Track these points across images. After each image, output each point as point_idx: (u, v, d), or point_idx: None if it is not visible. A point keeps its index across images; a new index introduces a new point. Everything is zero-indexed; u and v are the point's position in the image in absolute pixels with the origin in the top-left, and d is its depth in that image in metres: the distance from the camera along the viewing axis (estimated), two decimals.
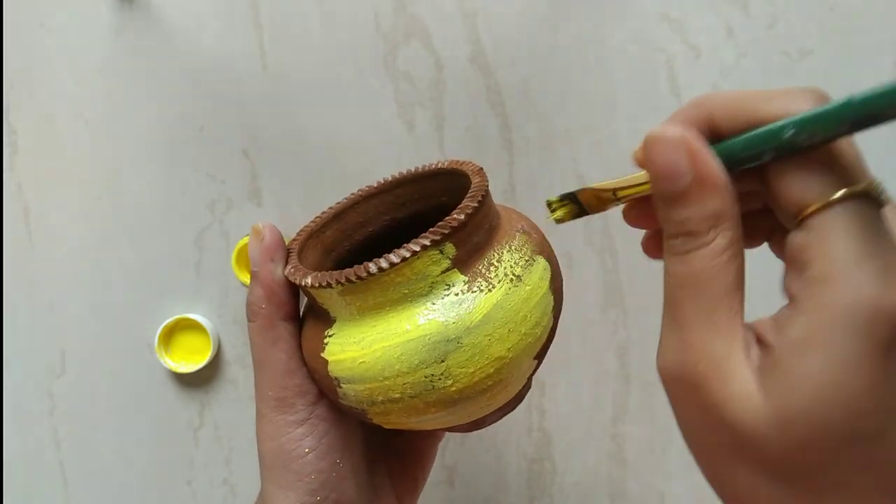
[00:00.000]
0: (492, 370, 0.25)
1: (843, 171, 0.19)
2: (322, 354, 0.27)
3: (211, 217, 0.48)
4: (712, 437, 0.20)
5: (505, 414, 0.30)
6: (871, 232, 0.18)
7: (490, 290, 0.26)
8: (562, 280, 0.29)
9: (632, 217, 0.25)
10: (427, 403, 0.26)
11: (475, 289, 0.26)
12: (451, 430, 0.30)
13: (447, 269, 0.26)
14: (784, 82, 0.46)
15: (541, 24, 0.46)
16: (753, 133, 0.20)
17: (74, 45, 0.47)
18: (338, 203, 0.33)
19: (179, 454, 0.50)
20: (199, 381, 0.49)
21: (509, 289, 0.26)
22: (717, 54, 0.46)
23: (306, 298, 0.30)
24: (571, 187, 0.47)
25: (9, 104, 0.48)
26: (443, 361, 0.25)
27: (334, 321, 0.27)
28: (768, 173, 0.21)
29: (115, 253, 0.48)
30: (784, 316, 0.19)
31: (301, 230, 0.31)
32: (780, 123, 0.19)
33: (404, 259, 0.25)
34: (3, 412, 0.50)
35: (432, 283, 0.25)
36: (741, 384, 0.19)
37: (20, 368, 0.49)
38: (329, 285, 0.26)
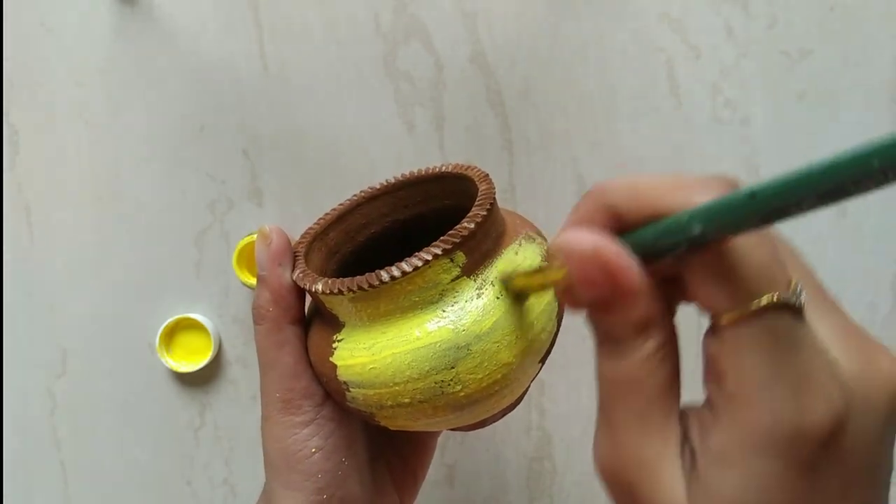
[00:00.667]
0: (500, 375, 0.26)
1: (758, 277, 0.18)
2: (331, 359, 0.27)
3: (211, 217, 0.48)
4: None
5: (506, 413, 0.30)
6: (786, 344, 0.18)
7: (499, 298, 0.26)
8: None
9: (567, 303, 0.25)
10: (436, 408, 0.26)
11: (484, 296, 0.26)
12: (455, 429, 0.30)
13: (457, 277, 0.26)
14: (784, 82, 0.46)
15: (541, 24, 0.46)
16: (660, 226, 0.19)
17: (74, 45, 0.47)
18: (340, 205, 0.33)
19: (179, 454, 0.50)
20: (199, 381, 0.49)
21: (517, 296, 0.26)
22: (717, 54, 0.46)
23: (311, 301, 0.30)
24: (571, 187, 0.47)
25: (9, 104, 0.47)
26: (453, 368, 0.25)
27: (343, 326, 0.27)
28: (683, 267, 0.20)
29: (115, 253, 0.48)
30: (707, 421, 0.19)
31: (305, 233, 0.31)
32: (685, 215, 0.18)
33: (416, 268, 0.25)
34: (3, 412, 0.50)
35: (442, 290, 0.26)
36: (670, 492, 0.19)
37: (20, 368, 0.49)
38: (340, 292, 0.26)
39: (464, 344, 0.25)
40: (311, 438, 0.29)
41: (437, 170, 0.32)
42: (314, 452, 0.29)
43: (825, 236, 0.47)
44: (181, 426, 0.49)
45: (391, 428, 0.28)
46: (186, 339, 0.48)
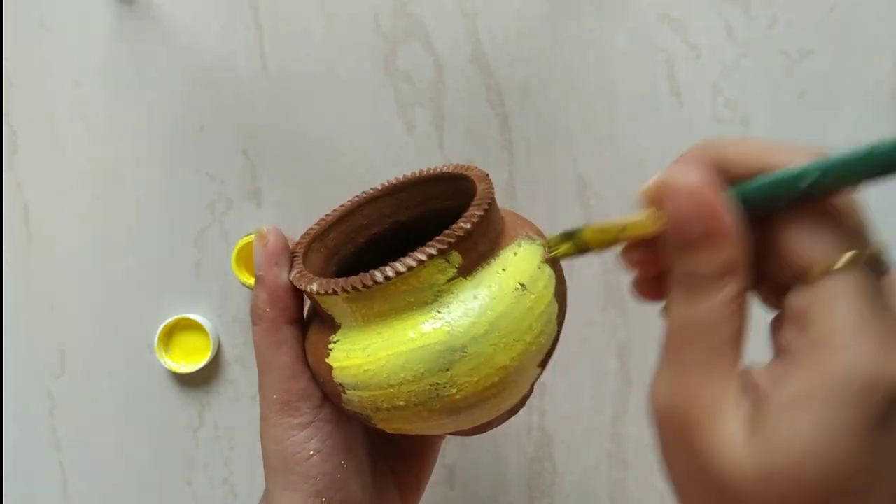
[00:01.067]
0: (496, 379, 0.25)
1: (850, 234, 0.20)
2: (327, 360, 0.27)
3: (211, 217, 0.48)
4: (694, 479, 0.20)
5: (508, 418, 0.30)
6: (873, 300, 0.19)
7: (495, 300, 0.26)
8: (566, 286, 0.29)
9: (632, 259, 0.25)
10: (431, 411, 0.26)
11: (481, 298, 0.25)
12: (453, 433, 0.30)
13: (453, 278, 0.26)
14: (784, 82, 0.46)
15: (541, 24, 0.46)
16: (775, 176, 0.20)
17: (74, 45, 0.47)
18: (341, 206, 0.33)
19: (179, 454, 0.50)
20: (198, 381, 0.49)
21: (515, 298, 0.26)
22: (717, 54, 0.46)
23: (310, 302, 0.30)
24: (571, 187, 0.47)
25: (9, 104, 0.48)
26: (448, 370, 0.25)
27: (339, 327, 0.27)
28: (774, 225, 0.21)
29: (114, 253, 0.48)
30: (780, 370, 0.19)
31: (305, 233, 0.31)
32: (801, 168, 0.20)
33: (410, 268, 0.25)
34: (3, 412, 0.50)
35: (438, 291, 0.25)
36: (731, 433, 0.19)
37: (20, 368, 0.49)
38: (335, 293, 0.26)
39: (459, 346, 0.25)
40: (309, 441, 0.28)
41: (439, 170, 0.32)
42: (312, 455, 0.28)
43: None
44: (181, 426, 0.49)
45: (388, 431, 0.28)
46: (185, 340, 0.48)
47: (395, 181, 0.33)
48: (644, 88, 0.46)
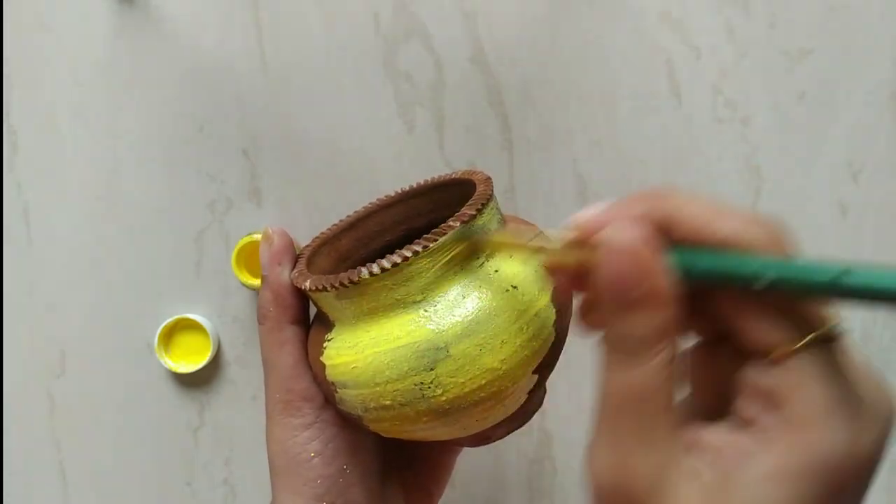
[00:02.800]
0: (483, 381, 0.25)
1: (807, 312, 0.20)
2: (321, 358, 0.27)
3: (211, 217, 0.48)
4: None
5: (512, 430, 0.29)
6: (837, 375, 0.19)
7: (483, 300, 0.25)
8: (571, 294, 0.28)
9: (559, 285, 0.25)
10: (418, 412, 0.25)
11: (470, 297, 0.25)
12: (455, 443, 0.30)
13: (441, 276, 0.25)
14: (784, 82, 0.46)
15: (541, 24, 0.46)
16: (724, 263, 0.20)
17: (74, 45, 0.47)
18: (355, 212, 0.33)
19: (179, 454, 0.50)
20: (198, 381, 0.49)
21: (505, 299, 0.25)
22: (717, 54, 0.46)
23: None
24: (571, 187, 0.47)
25: (9, 104, 0.47)
26: (432, 370, 0.25)
27: (333, 325, 0.27)
28: (722, 301, 0.21)
29: (114, 253, 0.48)
30: (747, 444, 0.20)
31: (316, 237, 0.32)
32: (756, 265, 0.19)
33: (395, 264, 0.25)
34: (3, 412, 0.50)
35: (426, 289, 0.25)
36: (684, 502, 0.19)
37: (20, 368, 0.49)
38: (325, 289, 0.26)
39: (443, 345, 0.24)
40: (310, 442, 0.28)
41: (450, 177, 0.32)
42: (313, 457, 0.28)
43: (825, 235, 0.47)
44: (180, 426, 0.49)
45: (382, 434, 0.28)
46: (185, 340, 0.48)
47: (407, 188, 0.33)
48: (644, 88, 0.46)
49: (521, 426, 0.30)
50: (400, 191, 0.34)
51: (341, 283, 0.25)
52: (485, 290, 0.25)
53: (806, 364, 0.19)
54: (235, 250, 0.45)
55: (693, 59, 0.46)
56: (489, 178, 0.29)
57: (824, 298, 0.19)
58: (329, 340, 0.27)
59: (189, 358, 0.48)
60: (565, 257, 0.22)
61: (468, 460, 0.49)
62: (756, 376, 0.20)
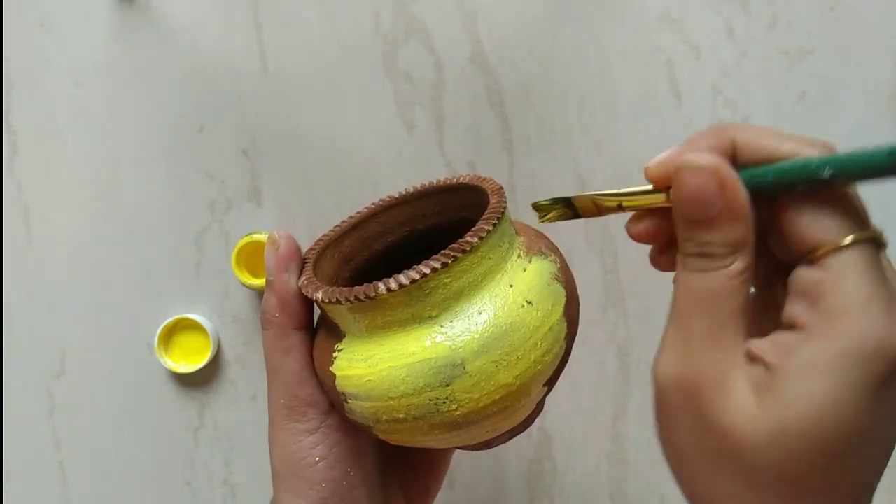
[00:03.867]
0: (498, 397, 0.25)
1: (854, 216, 0.21)
2: (331, 368, 0.27)
3: (211, 217, 0.48)
4: (700, 444, 0.21)
5: (515, 435, 0.29)
6: (877, 275, 0.20)
7: (499, 316, 0.25)
8: (578, 304, 0.29)
9: (638, 231, 0.26)
10: (431, 426, 0.25)
11: (485, 313, 0.25)
12: (457, 448, 0.30)
13: (458, 292, 0.25)
14: (784, 82, 0.46)
15: (541, 24, 0.46)
16: (789, 165, 0.21)
17: (74, 45, 0.47)
18: (357, 213, 0.33)
19: (179, 454, 0.50)
20: (198, 381, 0.49)
21: (520, 315, 0.25)
22: (717, 54, 0.46)
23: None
24: (571, 187, 0.47)
25: (9, 104, 0.48)
26: (448, 386, 0.25)
27: (344, 336, 0.27)
28: (777, 209, 0.22)
29: (114, 253, 0.48)
30: (790, 340, 0.21)
31: (319, 239, 0.31)
32: (817, 160, 0.21)
33: (413, 280, 0.24)
34: (3, 412, 0.50)
35: (442, 305, 0.25)
36: (740, 398, 0.21)
37: (20, 368, 0.49)
38: (339, 302, 0.25)
39: (460, 362, 0.24)
40: (315, 447, 0.28)
41: (456, 180, 0.32)
42: (318, 461, 0.28)
43: None
44: (180, 426, 0.49)
45: (391, 442, 0.28)
46: (185, 340, 0.48)
47: (412, 190, 0.33)
48: (644, 88, 0.46)
49: (524, 430, 0.30)
50: (404, 192, 0.33)
51: (356, 298, 0.25)
52: (501, 306, 0.25)
53: (845, 261, 0.20)
54: (235, 250, 0.45)
55: (693, 59, 0.46)
56: (502, 189, 0.29)
57: (884, 177, 0.20)
58: (339, 351, 0.27)
59: (189, 358, 0.48)
60: (647, 200, 0.24)
61: (468, 461, 0.49)
62: (804, 276, 0.21)
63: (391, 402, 0.25)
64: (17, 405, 0.50)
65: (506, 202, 0.28)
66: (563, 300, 0.27)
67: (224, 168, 0.47)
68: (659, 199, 0.24)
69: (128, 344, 0.49)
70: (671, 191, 0.23)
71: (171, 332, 0.48)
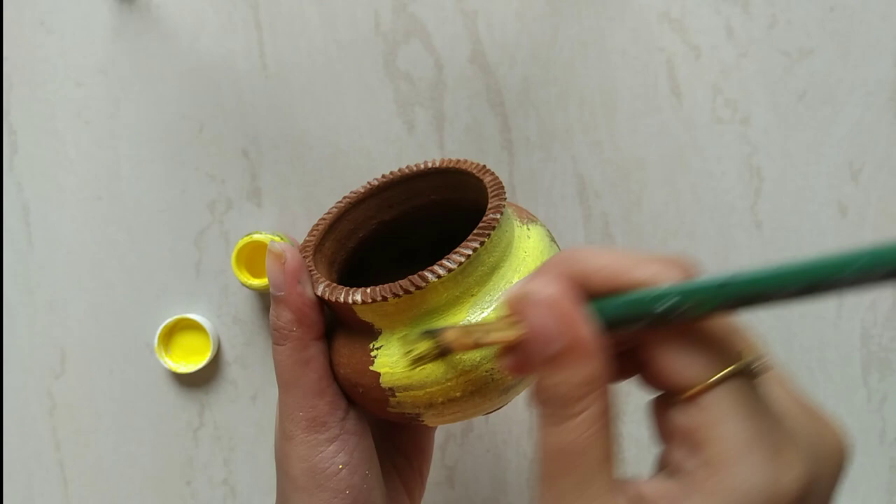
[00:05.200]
0: None
1: (723, 346, 0.20)
2: (372, 368, 0.27)
3: (211, 217, 0.48)
4: None
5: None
6: (754, 412, 0.19)
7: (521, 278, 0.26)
8: None
9: (506, 366, 0.24)
10: (485, 396, 0.26)
11: (515, 281, 0.27)
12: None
13: (491, 267, 0.27)
14: (784, 82, 0.46)
15: (541, 24, 0.46)
16: (630, 297, 0.20)
17: (74, 45, 0.47)
18: (328, 213, 0.33)
19: (179, 454, 0.50)
20: (198, 381, 0.49)
21: None
22: (717, 54, 0.46)
23: (328, 313, 0.30)
24: (571, 187, 0.47)
25: (9, 104, 0.48)
26: (496, 359, 0.25)
27: (380, 333, 0.27)
28: (644, 343, 0.21)
29: (115, 253, 0.48)
30: (676, 490, 0.19)
31: (304, 247, 0.31)
32: (658, 291, 0.19)
33: (460, 264, 0.25)
34: (3, 412, 0.50)
35: (480, 282, 0.26)
36: None
37: (20, 368, 0.49)
38: (384, 299, 0.26)
39: None
40: (337, 454, 0.28)
41: (423, 167, 0.32)
42: (341, 469, 0.28)
43: (825, 235, 0.47)
44: (180, 426, 0.49)
45: (431, 425, 0.28)
46: (185, 340, 0.48)
47: (377, 181, 0.33)
48: (644, 88, 0.46)
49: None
50: (369, 184, 0.33)
51: (405, 291, 0.25)
52: (525, 272, 0.27)
53: (718, 401, 0.19)
54: (235, 250, 0.45)
55: (693, 59, 0.46)
56: (486, 167, 0.29)
57: (722, 311, 0.19)
58: (378, 349, 0.27)
59: (189, 358, 0.48)
60: (507, 337, 0.22)
61: (468, 460, 0.49)
62: (677, 418, 0.20)
63: (448, 384, 0.26)
64: (17, 405, 0.50)
65: (501, 181, 0.29)
66: None
67: (224, 168, 0.47)
68: (515, 333, 0.21)
69: (128, 344, 0.49)
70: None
71: (171, 332, 0.48)
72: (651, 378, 0.21)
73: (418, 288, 0.25)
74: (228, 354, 0.49)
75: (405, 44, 0.46)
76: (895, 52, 0.46)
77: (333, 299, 0.27)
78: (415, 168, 0.32)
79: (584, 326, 0.20)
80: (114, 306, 0.49)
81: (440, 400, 0.26)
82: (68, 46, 0.47)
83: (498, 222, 0.26)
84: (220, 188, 0.48)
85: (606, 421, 0.20)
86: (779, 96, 0.46)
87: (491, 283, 0.27)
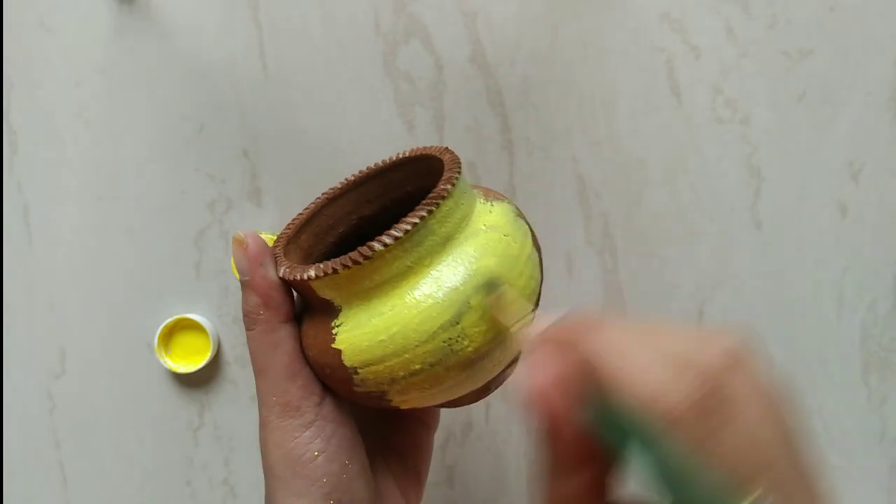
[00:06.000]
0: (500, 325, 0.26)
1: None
2: (334, 346, 0.27)
3: (211, 217, 0.48)
4: None
5: (506, 377, 0.30)
6: None
7: (487, 250, 0.27)
8: (538, 239, 0.31)
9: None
10: (447, 369, 0.26)
11: (473, 251, 0.27)
12: (457, 403, 0.30)
13: (445, 238, 0.27)
14: (784, 82, 0.46)
15: (541, 24, 0.46)
16: (631, 451, 0.19)
17: (74, 45, 0.47)
18: (306, 208, 0.33)
19: (179, 454, 0.50)
20: (199, 381, 0.49)
21: (503, 247, 0.27)
22: (717, 54, 0.46)
23: (297, 297, 0.30)
24: (571, 187, 0.47)
25: (9, 104, 0.48)
26: (458, 324, 0.26)
27: (340, 310, 0.27)
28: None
29: (115, 253, 0.48)
30: None
31: (279, 238, 0.31)
32: (656, 483, 0.18)
33: (406, 231, 0.26)
34: (3, 412, 0.50)
35: (433, 252, 0.26)
36: None
37: (20, 368, 0.49)
38: (335, 271, 0.26)
39: (464, 298, 0.26)
40: (312, 441, 0.28)
41: (396, 158, 0.33)
42: (317, 456, 0.28)
43: (825, 235, 0.47)
44: (180, 426, 0.49)
45: (402, 407, 0.28)
46: (185, 340, 0.48)
47: (353, 177, 0.34)
48: (644, 88, 0.46)
49: (512, 370, 0.31)
50: (346, 180, 0.34)
51: (354, 262, 0.26)
52: (482, 242, 0.27)
53: None
54: None
55: (693, 59, 0.46)
56: (448, 148, 0.30)
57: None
58: (339, 326, 0.27)
59: (189, 358, 0.48)
60: (522, 348, 0.24)
61: (468, 460, 0.49)
62: None
63: (407, 356, 0.26)
64: (17, 405, 0.50)
65: (457, 155, 0.30)
66: (529, 232, 0.29)
67: (224, 168, 0.47)
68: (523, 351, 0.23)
69: (128, 344, 0.49)
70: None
71: (171, 332, 0.48)
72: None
73: (366, 258, 0.26)
74: (228, 354, 0.49)
75: (405, 44, 0.46)
76: (895, 52, 0.46)
77: (292, 278, 0.28)
78: (388, 161, 0.33)
79: (567, 426, 0.21)
80: (114, 306, 0.49)
81: (401, 374, 0.26)
82: (68, 46, 0.47)
83: (449, 193, 0.26)
84: (220, 188, 0.48)
85: (603, 487, 0.21)
86: (779, 96, 0.46)
87: (447, 253, 0.27)
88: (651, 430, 0.18)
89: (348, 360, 0.27)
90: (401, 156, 0.33)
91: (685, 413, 0.18)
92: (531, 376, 0.21)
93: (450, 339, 0.26)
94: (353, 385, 0.27)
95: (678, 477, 0.18)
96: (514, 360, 0.29)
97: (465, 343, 0.26)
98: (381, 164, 0.33)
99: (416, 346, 0.26)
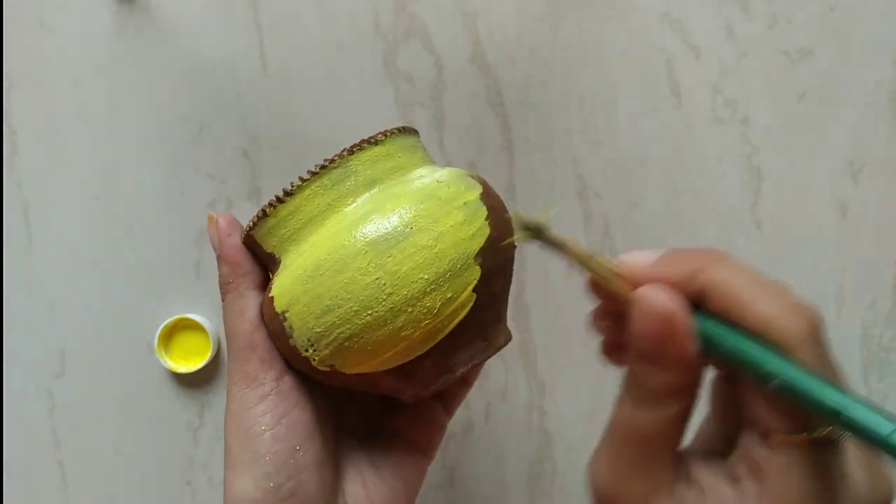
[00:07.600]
0: (420, 260, 0.25)
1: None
2: (269, 294, 0.28)
3: None
4: None
5: (476, 357, 0.28)
6: (821, 477, 0.20)
7: (413, 190, 0.27)
8: (505, 212, 0.29)
9: (598, 326, 0.26)
10: (367, 309, 0.26)
11: (400, 190, 0.27)
12: (416, 393, 0.29)
13: (370, 180, 0.28)
14: (784, 82, 0.46)
15: (541, 24, 0.46)
16: (743, 351, 0.21)
17: (74, 45, 0.47)
18: (275, 196, 0.33)
19: (179, 454, 0.49)
20: (198, 382, 0.49)
21: (432, 189, 0.27)
22: (717, 54, 0.46)
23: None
24: (571, 187, 0.47)
25: (9, 104, 0.48)
26: (367, 253, 0.26)
27: (280, 261, 0.28)
28: (741, 377, 0.22)
29: (115, 253, 0.48)
30: (728, 496, 0.21)
31: (246, 227, 0.31)
32: (767, 367, 0.20)
33: (323, 167, 0.27)
34: (4, 412, 0.50)
35: (356, 191, 0.28)
36: None
37: (20, 368, 0.49)
38: (265, 213, 0.28)
39: (376, 232, 0.26)
40: (263, 416, 0.28)
41: (361, 142, 0.32)
42: (264, 430, 0.27)
43: (825, 235, 0.47)
44: (180, 426, 0.49)
45: (346, 371, 0.27)
46: (185, 340, 0.48)
47: (316, 167, 0.33)
48: (644, 88, 0.46)
49: (486, 354, 0.29)
50: (308, 173, 0.33)
51: (278, 199, 0.28)
52: (412, 185, 0.27)
53: (796, 456, 0.20)
54: None
55: (693, 59, 0.46)
56: (406, 126, 0.30)
57: (822, 420, 0.20)
58: (276, 275, 0.28)
59: (189, 358, 0.48)
60: (610, 284, 0.23)
61: (468, 461, 0.49)
62: (753, 446, 0.21)
63: (320, 290, 0.26)
64: (17, 405, 0.50)
65: (416, 130, 0.31)
66: (479, 188, 0.28)
67: (224, 168, 0.47)
68: (623, 289, 0.23)
69: (128, 344, 0.49)
70: (629, 313, 0.22)
71: (171, 332, 0.48)
72: (740, 409, 0.22)
73: (288, 194, 0.27)
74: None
75: (405, 44, 0.46)
76: (895, 52, 0.46)
77: (242, 237, 0.29)
78: (355, 146, 0.32)
79: (690, 345, 0.21)
80: (114, 306, 0.49)
81: (318, 312, 0.26)
82: (68, 46, 0.47)
83: (378, 141, 0.28)
84: (220, 188, 0.48)
85: (681, 422, 0.22)
86: (779, 96, 0.46)
87: (373, 193, 0.27)
88: (777, 349, 0.20)
89: (278, 304, 0.27)
90: (368, 139, 0.32)
91: (807, 338, 0.20)
92: (654, 300, 0.21)
93: (362, 268, 0.25)
94: (287, 338, 0.27)
95: (814, 384, 0.19)
96: (474, 334, 0.28)
97: (379, 274, 0.25)
98: (345, 151, 0.33)
99: (330, 277, 0.26)
